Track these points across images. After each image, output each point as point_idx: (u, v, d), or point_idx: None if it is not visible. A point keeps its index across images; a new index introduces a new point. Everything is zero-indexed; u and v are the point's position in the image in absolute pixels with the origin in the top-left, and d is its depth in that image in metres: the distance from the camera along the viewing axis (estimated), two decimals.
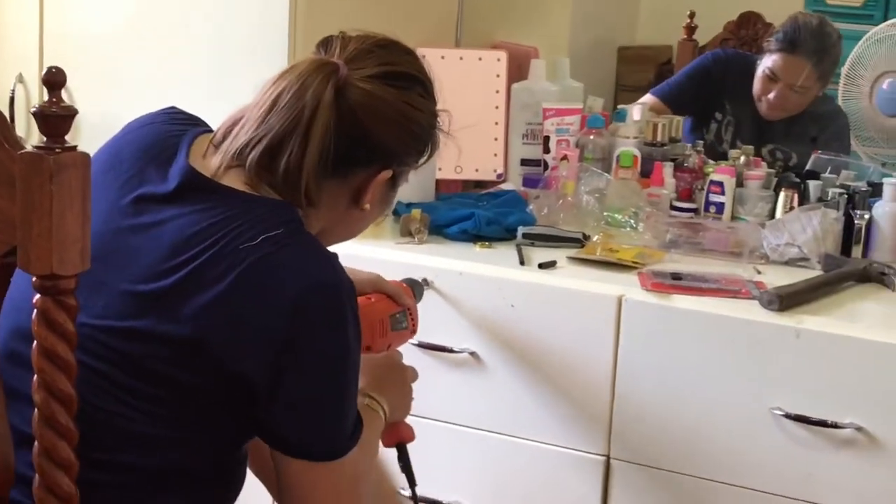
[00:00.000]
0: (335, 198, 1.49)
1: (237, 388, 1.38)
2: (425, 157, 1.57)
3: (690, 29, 2.98)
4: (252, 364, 1.37)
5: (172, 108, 1.60)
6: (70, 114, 1.22)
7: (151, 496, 1.42)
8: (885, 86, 2.54)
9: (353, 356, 1.42)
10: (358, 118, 1.44)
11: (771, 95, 2.67)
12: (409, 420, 1.94)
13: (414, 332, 1.80)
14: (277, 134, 1.43)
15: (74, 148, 1.22)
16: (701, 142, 2.66)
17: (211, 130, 1.55)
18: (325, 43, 1.51)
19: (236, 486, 1.53)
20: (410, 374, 1.76)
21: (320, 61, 1.46)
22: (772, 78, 2.66)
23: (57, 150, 1.20)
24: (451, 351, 2.13)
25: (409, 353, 1.98)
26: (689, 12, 2.97)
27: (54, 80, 1.22)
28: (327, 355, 1.39)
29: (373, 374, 1.66)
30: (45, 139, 1.21)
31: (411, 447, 1.83)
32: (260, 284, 1.36)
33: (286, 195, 1.44)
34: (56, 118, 1.21)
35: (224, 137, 1.47)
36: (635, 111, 2.60)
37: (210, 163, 1.46)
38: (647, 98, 2.79)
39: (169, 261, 1.39)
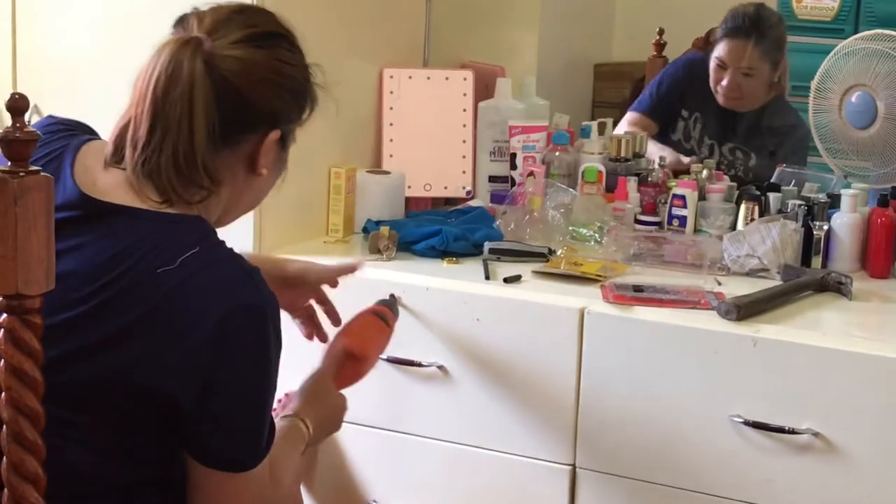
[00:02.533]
0: (232, 169, 1.51)
1: (164, 407, 1.42)
2: (307, 113, 1.59)
3: (660, 45, 3.03)
4: (178, 386, 1.40)
5: (49, 121, 1.60)
6: (33, 138, 1.26)
7: None
8: (853, 99, 2.57)
9: (273, 371, 1.47)
10: (234, 86, 1.46)
11: (724, 82, 2.77)
12: (380, 433, 2.06)
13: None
14: (164, 125, 1.44)
15: (38, 172, 1.26)
16: (667, 151, 2.72)
17: (95, 135, 1.57)
18: (182, 21, 1.52)
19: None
20: (344, 406, 1.83)
21: (183, 39, 1.47)
22: (721, 65, 2.78)
23: (21, 174, 1.24)
24: (419, 365, 2.17)
25: (378, 368, 2.03)
26: (658, 29, 3.03)
27: (17, 105, 1.27)
28: (250, 375, 1.44)
29: (315, 400, 1.74)
30: (9, 164, 1.26)
31: (384, 461, 1.90)
32: (182, 309, 1.39)
33: (185, 181, 1.45)
34: (19, 143, 1.25)
35: (116, 149, 1.48)
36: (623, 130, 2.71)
37: (107, 180, 1.47)
38: (631, 116, 2.87)
39: (82, 289, 1.40)
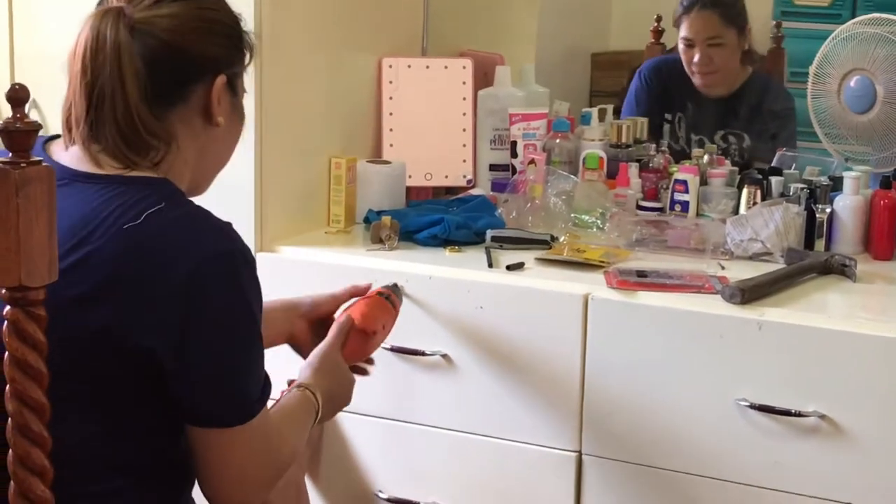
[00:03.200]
0: (188, 124, 1.54)
1: (146, 365, 1.43)
2: (247, 56, 1.61)
3: (658, 33, 3.03)
4: (155, 341, 1.42)
5: None
6: (34, 128, 1.26)
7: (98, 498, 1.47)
8: (852, 83, 2.56)
9: (252, 322, 1.48)
10: (165, 41, 1.49)
11: (695, 60, 2.80)
12: (384, 423, 2.04)
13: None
14: (99, 95, 1.47)
15: (39, 162, 1.26)
16: (665, 142, 2.72)
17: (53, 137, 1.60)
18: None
19: (185, 480, 1.57)
20: (352, 379, 1.84)
21: (101, 11, 1.50)
22: (689, 44, 2.81)
23: (22, 165, 1.24)
24: (423, 354, 2.17)
25: (382, 357, 2.03)
26: (655, 16, 3.02)
27: (17, 96, 1.26)
28: (226, 322, 1.45)
29: (322, 371, 1.75)
30: (10, 155, 1.25)
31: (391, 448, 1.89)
32: (151, 262, 1.41)
33: (135, 145, 1.48)
34: (20, 133, 1.25)
35: (68, 132, 1.52)
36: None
37: (66, 157, 1.51)
38: None
39: None
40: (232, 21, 1.59)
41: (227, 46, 1.57)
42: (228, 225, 1.48)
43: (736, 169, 2.53)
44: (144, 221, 1.43)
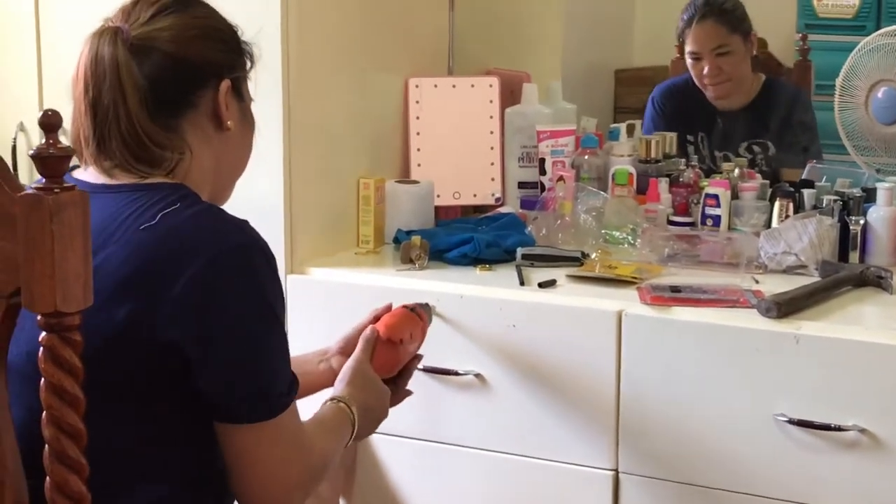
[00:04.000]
0: (200, 130, 1.57)
1: (175, 362, 1.44)
2: (248, 60, 1.64)
3: (682, 48, 3.01)
4: (177, 332, 1.43)
5: None
6: (67, 154, 1.25)
7: None
8: (880, 94, 2.55)
9: (273, 315, 1.48)
10: (168, 53, 1.53)
11: (705, 72, 2.78)
12: (418, 444, 1.98)
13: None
14: (103, 113, 1.51)
15: (73, 187, 1.25)
16: (695, 157, 2.70)
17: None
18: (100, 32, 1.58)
19: (227, 490, 1.55)
20: (386, 391, 1.82)
21: (99, 31, 1.54)
22: (697, 57, 2.80)
23: (56, 190, 1.23)
24: (456, 374, 2.16)
25: (414, 378, 2.01)
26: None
27: (50, 122, 1.25)
28: (244, 314, 1.45)
29: (354, 383, 1.75)
30: (43, 181, 1.25)
31: (423, 472, 1.86)
32: (168, 258, 1.43)
33: (144, 158, 1.51)
34: (54, 159, 1.24)
35: (80, 153, 1.55)
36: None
37: (82, 175, 1.55)
38: None
39: None
40: (227, 28, 1.62)
41: (227, 51, 1.60)
42: (245, 222, 1.50)
43: (767, 182, 2.51)
44: (160, 221, 1.46)
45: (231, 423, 1.48)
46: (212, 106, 1.58)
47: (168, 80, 1.53)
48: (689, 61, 2.81)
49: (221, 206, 1.58)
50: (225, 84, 1.58)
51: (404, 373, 1.91)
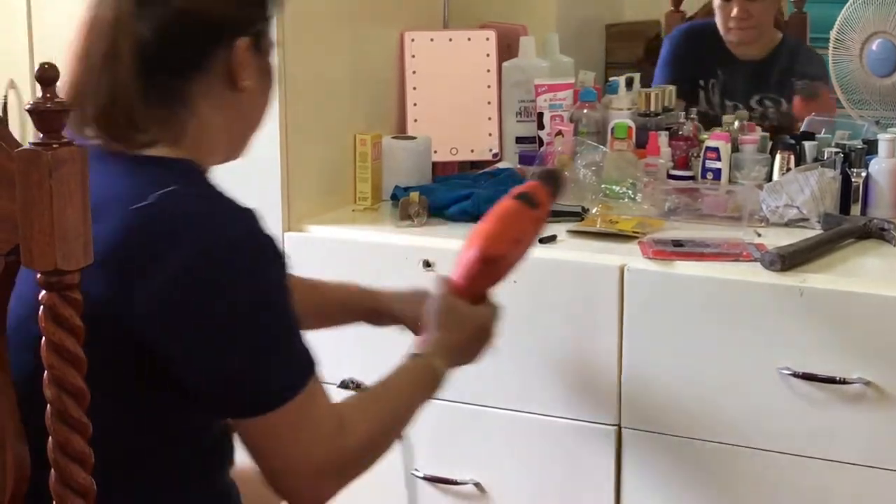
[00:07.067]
0: (210, 93, 1.44)
1: (150, 350, 1.35)
2: (269, 11, 1.50)
3: (677, 1, 2.98)
4: (155, 321, 1.33)
5: None
6: (65, 109, 1.22)
7: None
8: (874, 47, 2.53)
9: (268, 302, 1.37)
10: (177, 8, 1.40)
11: (734, 14, 2.73)
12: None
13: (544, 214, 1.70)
14: (100, 77, 1.40)
15: (71, 143, 1.22)
16: (694, 109, 2.67)
17: None
18: None
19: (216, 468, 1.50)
20: (488, 314, 1.69)
21: None
22: None
23: (54, 146, 1.20)
24: None
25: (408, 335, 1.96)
26: None
27: (47, 76, 1.23)
28: (238, 307, 1.34)
29: (446, 326, 1.63)
30: (41, 136, 1.22)
31: (425, 430, 1.76)
32: (157, 242, 1.33)
33: (142, 124, 1.40)
34: (51, 113, 1.21)
35: (75, 118, 1.39)
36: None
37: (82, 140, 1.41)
38: None
39: None
40: None
41: (246, 5, 1.46)
42: (248, 210, 1.37)
43: (767, 135, 2.49)
44: (153, 202, 1.34)
45: (236, 416, 1.40)
46: (226, 65, 1.43)
47: (177, 39, 1.40)
48: (716, 2, 2.75)
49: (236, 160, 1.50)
50: (242, 42, 1.43)
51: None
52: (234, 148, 1.53)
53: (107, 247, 1.31)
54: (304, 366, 1.41)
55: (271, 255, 1.38)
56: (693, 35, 2.86)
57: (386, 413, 1.52)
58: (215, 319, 1.35)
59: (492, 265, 1.66)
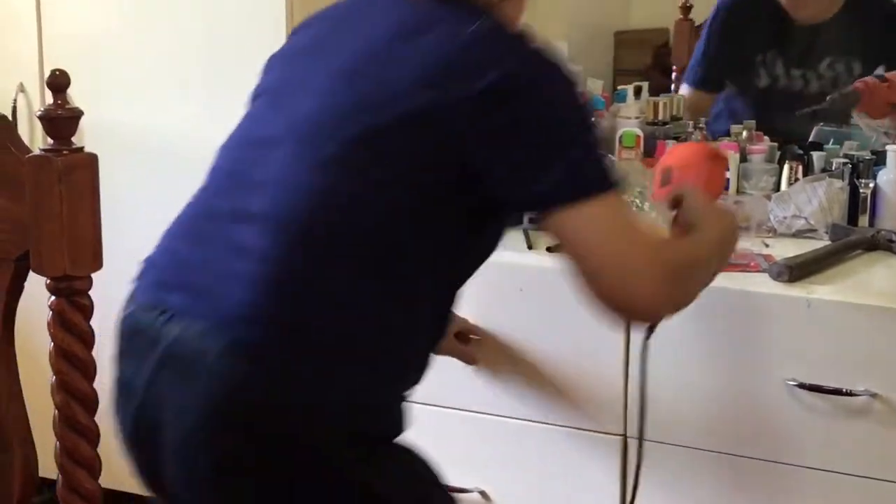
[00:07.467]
0: None
1: (459, 166, 1.44)
2: None
3: (686, 8, 2.97)
4: (467, 124, 1.42)
5: None
6: (75, 115, 1.23)
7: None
8: None
9: (581, 116, 1.48)
10: None
11: None
12: (424, 409, 1.95)
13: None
14: None
15: (82, 149, 1.23)
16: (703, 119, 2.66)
17: None
18: None
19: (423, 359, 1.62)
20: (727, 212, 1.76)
21: None
22: None
23: (64, 152, 1.21)
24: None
25: None
26: None
27: (58, 82, 1.24)
28: (554, 106, 1.44)
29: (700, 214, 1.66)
30: (51, 142, 1.23)
31: (426, 437, 1.81)
32: (475, 60, 1.42)
33: None
34: (62, 120, 1.22)
35: None
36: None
37: None
38: (684, 90, 2.76)
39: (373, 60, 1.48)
40: None
41: None
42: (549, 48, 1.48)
43: (775, 144, 2.49)
44: (469, 34, 1.43)
45: (548, 209, 1.45)
46: None
47: None
48: None
49: None
50: None
51: None
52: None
53: (438, 59, 1.43)
54: (615, 173, 1.48)
55: (574, 85, 1.49)
56: (742, 5, 2.70)
57: (701, 248, 1.59)
58: (539, 111, 1.43)
59: (718, 163, 1.79)
